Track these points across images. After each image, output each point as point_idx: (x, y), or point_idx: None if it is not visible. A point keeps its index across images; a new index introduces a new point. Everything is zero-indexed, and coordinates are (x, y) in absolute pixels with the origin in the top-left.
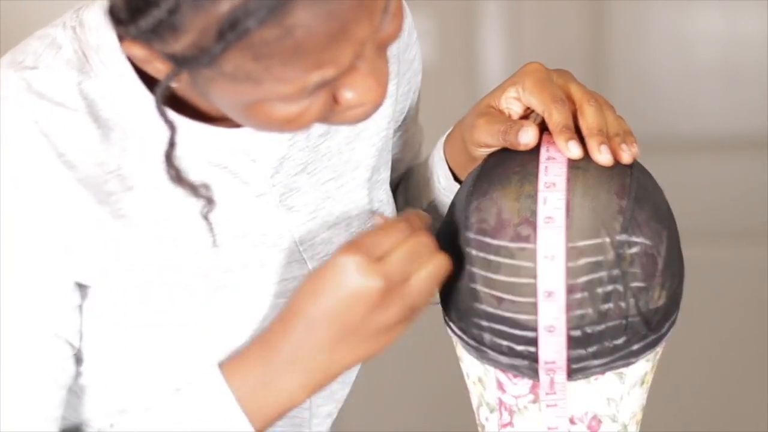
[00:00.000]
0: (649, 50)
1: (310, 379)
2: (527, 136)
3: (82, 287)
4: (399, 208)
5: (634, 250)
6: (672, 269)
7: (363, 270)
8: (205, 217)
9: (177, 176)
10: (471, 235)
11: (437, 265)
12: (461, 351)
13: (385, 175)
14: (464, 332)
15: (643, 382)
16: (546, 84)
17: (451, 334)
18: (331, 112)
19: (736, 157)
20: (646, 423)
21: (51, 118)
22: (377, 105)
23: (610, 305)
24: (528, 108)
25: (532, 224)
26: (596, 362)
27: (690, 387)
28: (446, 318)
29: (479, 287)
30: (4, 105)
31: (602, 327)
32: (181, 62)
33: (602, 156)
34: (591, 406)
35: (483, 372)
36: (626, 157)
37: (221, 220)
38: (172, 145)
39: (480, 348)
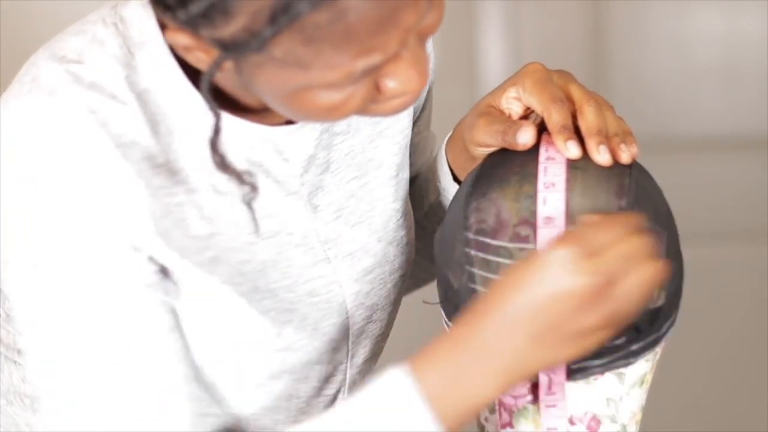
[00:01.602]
0: (648, 50)
1: (502, 375)
2: (525, 137)
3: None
4: None
5: None
6: (671, 269)
7: (575, 265)
8: (248, 204)
9: (222, 162)
10: (470, 235)
11: (654, 270)
12: None
13: (407, 176)
14: None
15: (642, 383)
16: (546, 84)
17: None
18: (373, 102)
19: (736, 157)
20: (646, 423)
21: (105, 109)
22: (416, 96)
23: None
24: (528, 108)
25: (532, 224)
26: (595, 362)
27: (690, 387)
28: (446, 318)
29: (479, 287)
30: (56, 98)
31: None
32: (230, 48)
33: (601, 156)
34: (590, 407)
35: None
36: (625, 158)
37: (255, 217)
38: (217, 131)
39: None
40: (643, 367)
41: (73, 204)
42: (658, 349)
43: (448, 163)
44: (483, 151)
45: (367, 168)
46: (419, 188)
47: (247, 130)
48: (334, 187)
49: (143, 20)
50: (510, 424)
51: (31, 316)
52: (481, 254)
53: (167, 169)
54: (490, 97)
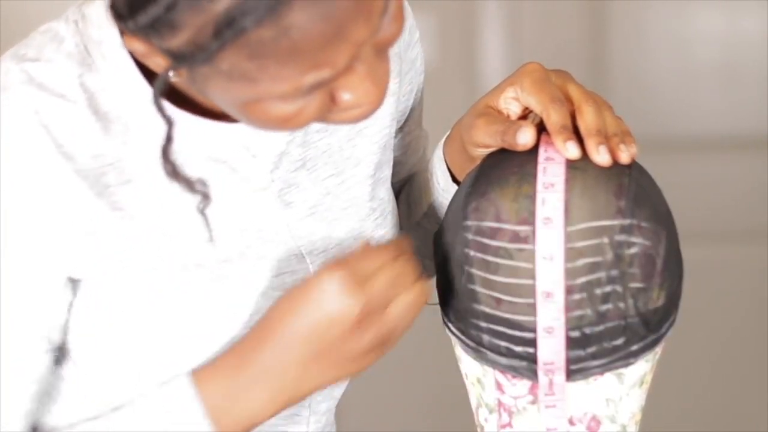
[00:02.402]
0: (648, 50)
1: (279, 395)
2: (525, 137)
3: (74, 282)
4: (402, 214)
5: (632, 250)
6: (671, 270)
7: (344, 291)
8: (202, 213)
9: (173, 171)
10: (469, 236)
11: (418, 293)
12: (460, 351)
13: (387, 173)
14: (463, 333)
15: (642, 383)
16: (544, 84)
17: (450, 335)
18: (329, 112)
19: (736, 157)
20: (645, 423)
21: (51, 109)
22: (375, 107)
23: (609, 306)
24: (526, 108)
25: (531, 225)
26: (595, 363)
27: (690, 387)
28: (445, 318)
29: (478, 288)
30: (4, 96)
31: (601, 328)
32: (178, 58)
33: (600, 156)
34: (590, 407)
35: (482, 373)
36: (624, 158)
37: (220, 214)
38: (169, 139)
39: (478, 349)
40: (642, 367)
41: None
42: (658, 350)
43: (446, 163)
44: (482, 152)
45: (345, 166)
46: (418, 188)
47: (210, 127)
48: (310, 184)
49: (103, 20)
50: (509, 425)
51: None
52: (480, 255)
53: (117, 168)
54: (488, 98)
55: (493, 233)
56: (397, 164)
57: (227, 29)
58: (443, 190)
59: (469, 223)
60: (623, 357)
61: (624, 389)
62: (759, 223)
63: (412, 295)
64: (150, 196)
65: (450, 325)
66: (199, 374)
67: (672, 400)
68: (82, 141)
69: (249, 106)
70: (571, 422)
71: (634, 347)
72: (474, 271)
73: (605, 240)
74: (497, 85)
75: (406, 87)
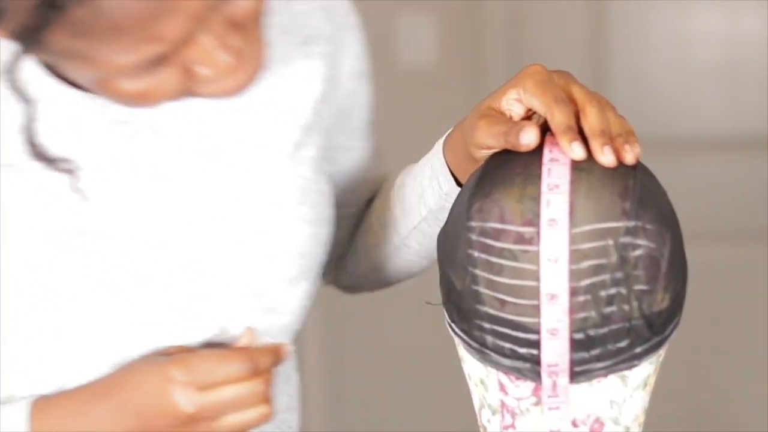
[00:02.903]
0: (649, 50)
1: None
2: (528, 137)
3: None
4: (381, 223)
5: (637, 252)
6: (675, 271)
7: (182, 393)
8: (76, 190)
9: (36, 152)
10: (473, 236)
11: (257, 416)
12: (463, 352)
13: (313, 154)
14: (466, 334)
15: (645, 385)
16: (547, 85)
17: (453, 336)
18: (194, 86)
19: (736, 157)
20: (648, 424)
21: None
22: (241, 80)
23: (613, 308)
24: (529, 110)
25: (535, 226)
26: (599, 365)
27: (690, 387)
28: (448, 319)
29: (482, 289)
30: None
31: (605, 330)
32: (19, 41)
33: (605, 157)
34: (593, 409)
35: (485, 374)
36: (629, 158)
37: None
38: (31, 120)
39: (482, 350)
40: (646, 369)
41: None
42: (662, 351)
43: (447, 166)
44: (485, 153)
45: (261, 143)
46: (408, 196)
47: (89, 107)
48: (220, 161)
49: None
50: (512, 426)
51: None
52: (484, 256)
53: None
54: (490, 100)
55: (497, 234)
56: (359, 181)
57: (48, 9)
58: (447, 195)
59: (473, 224)
60: (627, 359)
61: (628, 391)
62: (759, 223)
63: (249, 415)
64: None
65: (453, 325)
66: (40, 405)
67: (672, 400)
68: None
69: (101, 85)
70: (574, 424)
71: (638, 349)
72: (478, 272)
73: (610, 242)
74: (499, 88)
75: (344, 70)
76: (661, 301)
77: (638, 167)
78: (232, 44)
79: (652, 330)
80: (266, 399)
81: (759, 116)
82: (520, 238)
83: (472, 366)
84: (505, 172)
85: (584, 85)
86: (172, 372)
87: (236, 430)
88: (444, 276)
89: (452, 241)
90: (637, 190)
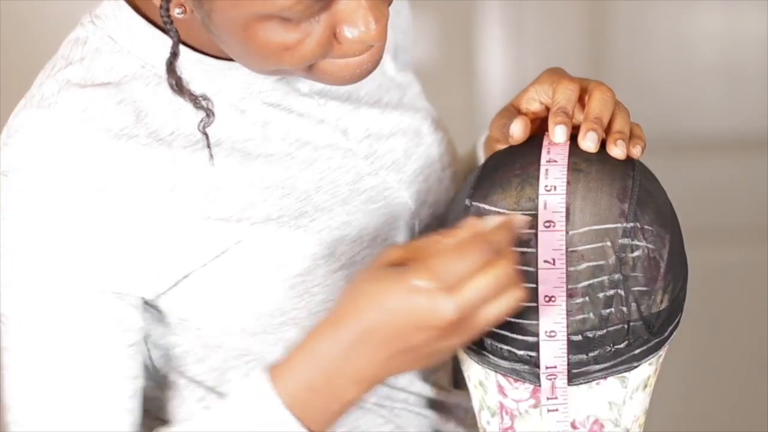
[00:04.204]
0: (649, 50)
1: (358, 384)
2: (514, 128)
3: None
4: None
5: (635, 253)
6: (675, 272)
7: (437, 299)
8: (204, 131)
9: (177, 85)
10: None
11: (512, 299)
12: (461, 353)
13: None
14: None
15: (645, 386)
16: (562, 74)
17: None
18: (331, 53)
19: (736, 157)
20: (648, 424)
21: (98, 100)
22: (376, 57)
23: (612, 310)
24: (548, 109)
25: (533, 228)
26: (597, 367)
27: (690, 387)
28: None
29: None
30: (51, 110)
31: (603, 332)
32: None
33: (586, 142)
34: (593, 411)
35: (484, 376)
36: (616, 152)
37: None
38: (174, 54)
39: (481, 352)
40: (646, 370)
41: (52, 221)
42: (662, 353)
43: None
44: (501, 147)
45: (388, 86)
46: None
47: (249, 74)
48: (362, 107)
49: (116, 9)
50: (512, 428)
51: (9, 326)
52: None
53: (182, 135)
54: (514, 99)
55: None
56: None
57: None
58: None
59: None
60: (626, 361)
61: (627, 393)
62: (759, 223)
63: (505, 301)
64: (214, 154)
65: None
66: (273, 372)
67: (672, 401)
68: (139, 121)
69: (252, 29)
70: (573, 426)
71: (637, 351)
72: None
73: (608, 243)
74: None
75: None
76: (660, 303)
77: (637, 168)
78: (381, 11)
79: (650, 331)
80: (515, 280)
81: (759, 116)
82: (518, 240)
83: (471, 368)
84: (503, 174)
85: (606, 90)
86: (416, 282)
87: (494, 320)
88: None
89: None
90: (635, 191)
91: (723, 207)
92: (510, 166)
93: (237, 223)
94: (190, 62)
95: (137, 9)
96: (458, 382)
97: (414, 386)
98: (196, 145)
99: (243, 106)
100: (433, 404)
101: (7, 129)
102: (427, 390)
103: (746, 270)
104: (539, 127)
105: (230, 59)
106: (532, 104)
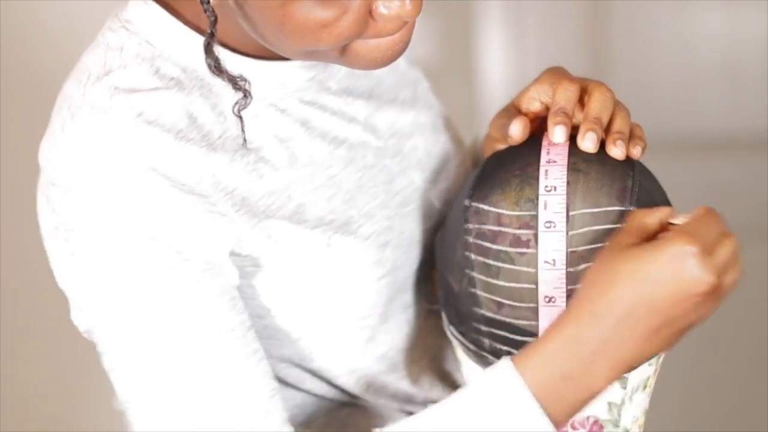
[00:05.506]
0: (649, 50)
1: (614, 369)
2: (513, 128)
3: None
4: None
5: None
6: None
7: (701, 263)
8: (239, 114)
9: (216, 65)
10: (470, 239)
11: (742, 269)
12: (461, 355)
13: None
14: (464, 336)
15: (645, 387)
16: (562, 73)
17: (451, 338)
18: (366, 33)
19: (736, 157)
20: (648, 424)
21: (152, 104)
22: (406, 37)
23: None
24: (548, 108)
25: (533, 229)
26: None
27: (690, 388)
28: (446, 322)
29: (479, 292)
30: (104, 116)
31: None
32: None
33: (585, 143)
34: (592, 411)
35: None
36: (616, 152)
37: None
38: (212, 35)
39: (480, 353)
40: (645, 371)
41: (135, 220)
42: (661, 353)
43: None
44: (500, 147)
45: (403, 82)
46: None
47: (284, 72)
48: (384, 105)
49: (148, 13)
50: None
51: (109, 332)
52: (481, 258)
53: (229, 138)
54: (515, 98)
55: (494, 237)
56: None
57: None
58: None
59: (470, 226)
60: None
61: (627, 393)
62: (759, 223)
63: (739, 270)
64: (265, 155)
65: (451, 328)
66: (519, 361)
67: (672, 401)
68: (193, 123)
69: (289, 7)
70: (573, 427)
71: None
72: (475, 274)
73: (608, 243)
74: (525, 87)
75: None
76: None
77: (637, 168)
78: None
79: None
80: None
81: (759, 116)
82: (517, 241)
83: (469, 369)
84: (502, 174)
85: (606, 90)
86: (679, 251)
87: (733, 290)
88: (442, 279)
89: (449, 243)
90: (635, 192)
91: (723, 207)
92: (509, 167)
93: (296, 225)
94: (226, 62)
95: (166, 6)
96: None
97: (434, 392)
98: (242, 149)
99: (283, 105)
100: None
101: (55, 146)
102: (447, 395)
103: (746, 270)
104: (539, 127)
105: (264, 58)
106: (533, 104)
